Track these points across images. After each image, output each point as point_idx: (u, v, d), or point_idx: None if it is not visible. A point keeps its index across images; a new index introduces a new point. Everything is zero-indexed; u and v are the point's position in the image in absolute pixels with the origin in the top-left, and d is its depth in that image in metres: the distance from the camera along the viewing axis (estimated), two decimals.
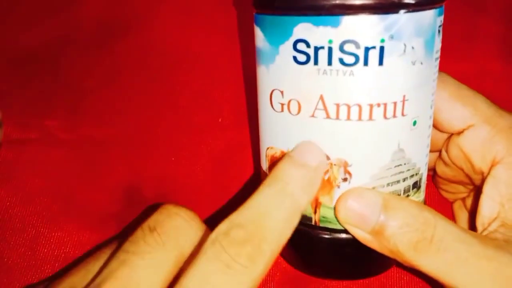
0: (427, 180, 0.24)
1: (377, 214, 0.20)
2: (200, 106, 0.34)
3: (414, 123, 0.20)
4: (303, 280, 0.27)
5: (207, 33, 0.36)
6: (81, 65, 0.35)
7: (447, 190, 0.28)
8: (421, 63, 0.20)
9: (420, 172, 0.22)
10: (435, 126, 0.24)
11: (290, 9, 0.19)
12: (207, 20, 0.37)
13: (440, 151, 0.26)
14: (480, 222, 0.22)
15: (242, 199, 0.28)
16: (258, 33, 0.21)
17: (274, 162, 0.22)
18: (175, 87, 0.34)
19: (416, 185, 0.22)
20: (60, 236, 0.29)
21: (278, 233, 0.18)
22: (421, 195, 0.23)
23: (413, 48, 0.19)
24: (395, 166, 0.21)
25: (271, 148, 0.22)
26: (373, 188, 0.20)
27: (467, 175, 0.25)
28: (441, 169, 0.26)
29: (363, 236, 0.20)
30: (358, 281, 0.26)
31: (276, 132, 0.22)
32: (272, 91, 0.21)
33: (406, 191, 0.21)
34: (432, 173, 0.28)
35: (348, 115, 0.19)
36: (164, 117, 0.33)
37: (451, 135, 0.25)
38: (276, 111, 0.21)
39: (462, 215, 0.27)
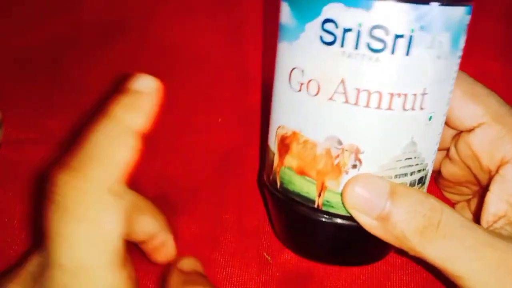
0: (430, 181, 0.24)
1: (384, 201, 0.20)
2: (200, 106, 0.34)
3: (430, 118, 0.20)
4: (303, 280, 0.27)
5: (207, 33, 0.37)
6: (81, 65, 0.35)
7: (452, 192, 0.28)
8: (446, 59, 0.20)
9: (427, 168, 0.22)
10: (445, 123, 0.24)
11: None
12: (207, 20, 0.37)
13: (448, 149, 0.26)
14: (485, 220, 0.23)
15: (242, 199, 0.28)
16: (285, 8, 0.21)
17: (284, 142, 0.22)
18: (175, 87, 0.35)
19: (421, 181, 0.22)
20: None
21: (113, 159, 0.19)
22: (424, 191, 0.23)
23: (440, 42, 0.19)
24: (406, 159, 0.21)
25: (282, 127, 0.22)
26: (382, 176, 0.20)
27: (474, 175, 0.25)
28: (447, 169, 0.27)
29: (369, 223, 0.20)
30: (357, 281, 0.27)
31: (290, 111, 0.22)
32: (293, 69, 0.21)
33: (412, 184, 0.21)
34: (436, 174, 0.28)
35: (368, 102, 0.19)
36: (164, 117, 0.33)
37: (460, 132, 0.25)
38: (293, 90, 0.21)
39: (466, 216, 0.28)
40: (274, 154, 0.23)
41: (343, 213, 0.21)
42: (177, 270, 0.24)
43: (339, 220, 0.21)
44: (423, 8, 0.18)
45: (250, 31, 0.36)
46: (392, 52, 0.19)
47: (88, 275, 0.18)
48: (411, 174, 0.21)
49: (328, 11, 0.19)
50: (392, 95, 0.19)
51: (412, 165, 0.21)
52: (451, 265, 0.19)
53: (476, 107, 0.24)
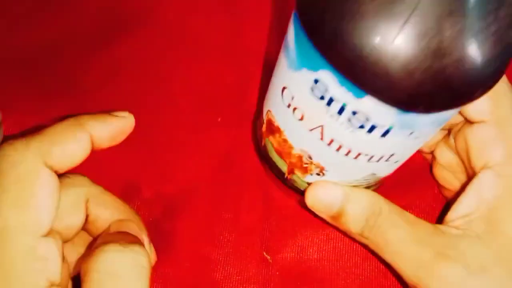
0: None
1: (337, 206, 0.24)
2: (200, 105, 0.32)
3: (396, 161, 0.22)
4: (303, 280, 0.27)
5: (207, 32, 0.34)
6: (81, 65, 0.33)
7: (445, 186, 0.29)
8: (426, 135, 0.20)
9: (381, 180, 0.25)
10: None
11: (325, 53, 0.18)
12: (207, 20, 0.35)
13: (448, 131, 0.26)
14: (449, 217, 0.24)
15: (242, 198, 0.29)
16: (291, 34, 0.20)
17: (270, 125, 0.24)
18: (175, 87, 0.33)
19: (375, 185, 0.25)
20: None
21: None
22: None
23: (420, 131, 0.19)
24: (364, 180, 0.24)
25: (272, 115, 0.24)
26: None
27: (465, 168, 0.25)
28: (443, 154, 0.27)
29: (325, 218, 0.24)
30: (357, 281, 0.28)
31: (279, 113, 0.23)
32: (286, 88, 0.21)
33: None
34: (432, 163, 0.29)
35: (338, 149, 0.21)
36: (164, 117, 0.31)
37: (463, 124, 0.25)
38: (283, 103, 0.22)
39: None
40: (263, 122, 0.26)
41: (303, 188, 0.26)
42: (104, 232, 0.23)
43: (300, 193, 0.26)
44: (408, 115, 0.18)
45: (251, 30, 0.34)
46: (369, 132, 0.19)
47: (8, 238, 0.18)
48: (367, 187, 0.24)
49: (323, 75, 0.18)
50: (360, 153, 0.21)
51: (370, 183, 0.24)
52: (381, 255, 0.24)
53: (485, 102, 0.23)
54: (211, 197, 0.29)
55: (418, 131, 0.19)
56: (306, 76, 0.19)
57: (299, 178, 0.25)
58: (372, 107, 0.18)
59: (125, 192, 0.29)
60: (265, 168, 0.28)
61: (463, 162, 0.26)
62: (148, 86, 0.33)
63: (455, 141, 0.26)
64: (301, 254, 0.28)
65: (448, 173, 0.28)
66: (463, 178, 0.26)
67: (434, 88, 0.16)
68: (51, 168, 0.20)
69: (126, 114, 0.23)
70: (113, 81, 0.33)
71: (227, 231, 0.28)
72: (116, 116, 0.23)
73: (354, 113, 0.19)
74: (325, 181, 0.24)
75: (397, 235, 0.23)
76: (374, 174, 0.23)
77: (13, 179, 0.19)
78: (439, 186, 0.29)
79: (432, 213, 0.29)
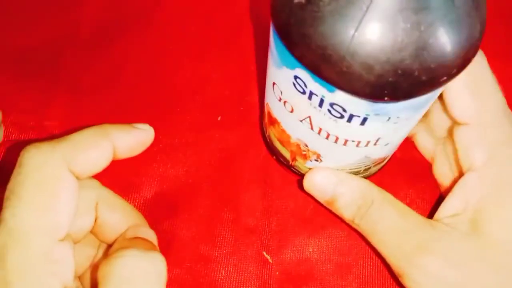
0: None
1: (332, 191, 0.25)
2: (199, 105, 0.32)
3: (386, 144, 0.23)
4: (303, 280, 0.28)
5: (207, 32, 0.34)
6: (81, 65, 0.33)
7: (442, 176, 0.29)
8: (406, 119, 0.21)
9: (376, 161, 0.26)
10: (444, 109, 0.25)
11: (294, 54, 0.19)
12: (207, 20, 0.35)
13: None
14: (438, 215, 0.25)
15: (242, 198, 0.29)
16: (271, 36, 0.21)
17: (270, 116, 0.26)
18: (175, 87, 0.33)
19: (367, 170, 0.27)
20: None
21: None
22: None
23: (398, 117, 0.20)
24: (360, 163, 0.25)
25: (268, 104, 0.26)
26: (337, 170, 0.26)
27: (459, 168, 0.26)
28: (446, 147, 0.27)
29: (321, 202, 0.26)
30: (357, 281, 0.28)
31: (274, 106, 0.25)
32: (275, 83, 0.23)
33: (360, 173, 0.26)
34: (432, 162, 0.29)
35: (327, 137, 0.23)
36: (164, 116, 0.32)
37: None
38: (275, 97, 0.24)
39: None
40: (265, 114, 0.27)
41: (304, 172, 0.27)
42: (120, 237, 0.23)
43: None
44: (377, 104, 0.19)
45: (250, 28, 0.34)
46: (349, 121, 0.21)
47: (27, 239, 0.18)
48: (364, 170, 0.26)
49: (299, 72, 0.20)
50: (347, 140, 0.22)
51: (366, 165, 0.25)
52: (370, 240, 0.25)
53: (470, 104, 0.23)
54: (211, 197, 0.29)
55: (394, 116, 0.20)
56: (287, 73, 0.21)
57: (301, 164, 0.27)
58: (345, 99, 0.19)
59: (125, 192, 0.29)
60: (273, 157, 0.30)
61: (456, 163, 0.26)
62: (148, 86, 0.33)
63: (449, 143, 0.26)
64: (301, 254, 0.28)
65: (447, 171, 0.27)
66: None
67: (395, 79, 0.17)
68: (73, 173, 0.20)
69: (147, 127, 0.24)
70: (113, 81, 0.33)
71: (227, 231, 0.29)
72: (138, 128, 0.24)
73: (331, 105, 0.20)
74: (323, 168, 0.26)
75: (384, 225, 0.24)
76: (368, 157, 0.24)
77: (36, 181, 0.19)
78: (439, 185, 0.29)
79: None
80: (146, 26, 0.35)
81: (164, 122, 0.31)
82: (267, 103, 0.26)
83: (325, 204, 0.26)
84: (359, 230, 0.26)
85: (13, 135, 0.31)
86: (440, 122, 0.27)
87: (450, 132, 0.26)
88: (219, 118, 0.32)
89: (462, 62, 0.18)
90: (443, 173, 0.28)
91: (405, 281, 0.24)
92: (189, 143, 0.31)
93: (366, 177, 0.27)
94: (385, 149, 0.24)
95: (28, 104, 0.32)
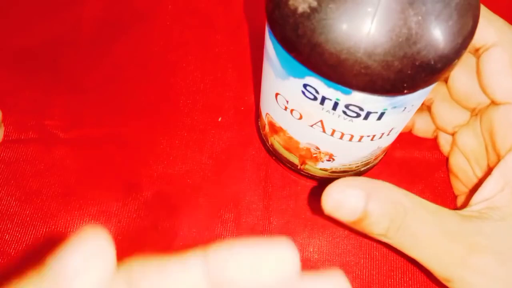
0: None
1: (360, 210, 0.20)
2: (200, 105, 0.32)
3: (397, 132, 0.24)
4: None
5: (207, 32, 0.34)
6: (81, 65, 0.32)
7: (458, 177, 0.28)
8: (417, 105, 0.21)
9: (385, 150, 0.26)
10: (481, 87, 0.24)
11: (306, 64, 0.19)
12: (207, 20, 0.35)
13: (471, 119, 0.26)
14: (474, 199, 0.23)
15: (242, 198, 0.29)
16: (271, 48, 0.21)
17: (272, 126, 0.26)
18: (175, 87, 0.33)
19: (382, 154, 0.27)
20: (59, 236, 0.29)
21: None
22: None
23: (412, 105, 0.20)
24: (371, 155, 0.25)
25: (271, 116, 0.25)
26: (350, 165, 0.26)
27: (487, 153, 0.25)
28: (465, 138, 0.26)
29: (344, 222, 0.21)
30: (357, 280, 0.27)
31: (277, 115, 0.24)
32: (278, 94, 0.22)
33: (371, 162, 0.27)
34: (449, 152, 0.28)
35: (341, 137, 0.23)
36: (164, 117, 0.32)
37: (487, 107, 0.25)
38: (279, 106, 0.23)
39: None
40: (265, 124, 0.27)
41: (317, 175, 0.27)
42: None
43: (314, 179, 0.28)
44: (395, 98, 0.19)
45: (250, 29, 0.34)
46: (365, 119, 0.21)
47: None
48: (374, 159, 0.26)
49: (310, 80, 0.20)
50: (362, 136, 0.22)
51: (377, 154, 0.26)
52: (409, 253, 0.21)
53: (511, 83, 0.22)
54: (211, 197, 0.29)
55: (409, 105, 0.20)
56: (295, 83, 0.20)
57: (312, 167, 0.27)
58: (363, 99, 0.19)
59: (125, 192, 0.29)
60: (277, 162, 0.30)
61: (486, 146, 0.25)
62: (148, 86, 0.33)
63: (480, 123, 0.25)
64: (301, 254, 0.28)
65: (464, 162, 0.27)
66: (483, 164, 0.26)
67: (413, 72, 0.17)
68: None
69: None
70: (113, 81, 0.33)
71: (227, 231, 0.29)
72: None
73: (347, 106, 0.20)
74: (342, 183, 0.20)
75: (425, 231, 0.21)
76: (380, 147, 0.25)
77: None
78: (451, 178, 0.28)
79: None
80: (146, 26, 0.35)
81: (165, 123, 0.32)
82: (267, 113, 0.26)
83: (348, 224, 0.21)
84: (391, 243, 0.22)
85: (13, 135, 0.31)
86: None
87: (480, 114, 0.25)
88: (219, 119, 0.32)
89: (468, 42, 0.18)
90: (460, 162, 0.27)
91: (457, 285, 0.22)
92: (190, 144, 0.31)
93: (368, 170, 0.28)
94: (393, 137, 0.24)
95: (28, 104, 0.32)
